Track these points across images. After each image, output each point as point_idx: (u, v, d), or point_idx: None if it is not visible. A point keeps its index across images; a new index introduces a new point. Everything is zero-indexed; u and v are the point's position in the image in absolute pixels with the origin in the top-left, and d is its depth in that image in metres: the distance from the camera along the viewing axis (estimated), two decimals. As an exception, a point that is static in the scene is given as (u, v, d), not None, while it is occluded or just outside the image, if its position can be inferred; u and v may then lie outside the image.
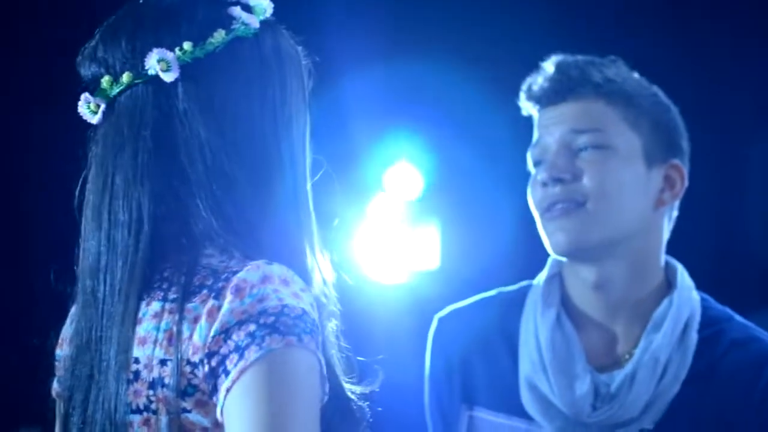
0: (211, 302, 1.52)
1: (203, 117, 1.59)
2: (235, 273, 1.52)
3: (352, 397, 1.61)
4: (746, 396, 2.15)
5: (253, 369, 1.47)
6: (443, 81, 4.17)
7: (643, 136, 2.21)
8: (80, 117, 1.65)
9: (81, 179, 1.64)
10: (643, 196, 2.20)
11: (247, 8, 1.64)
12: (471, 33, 4.18)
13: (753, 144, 4.14)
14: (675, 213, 2.26)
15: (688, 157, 2.26)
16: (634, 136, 2.20)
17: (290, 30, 1.69)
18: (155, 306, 1.55)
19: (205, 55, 1.60)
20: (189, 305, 1.53)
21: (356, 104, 4.15)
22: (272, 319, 1.48)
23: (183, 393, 1.51)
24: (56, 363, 1.70)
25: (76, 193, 1.65)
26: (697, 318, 2.20)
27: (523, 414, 2.20)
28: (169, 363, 1.52)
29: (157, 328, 1.54)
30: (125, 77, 1.60)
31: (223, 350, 1.49)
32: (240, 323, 1.49)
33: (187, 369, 1.51)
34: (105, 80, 1.61)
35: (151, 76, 1.59)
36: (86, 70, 1.64)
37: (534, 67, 2.26)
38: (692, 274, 2.25)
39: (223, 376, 1.48)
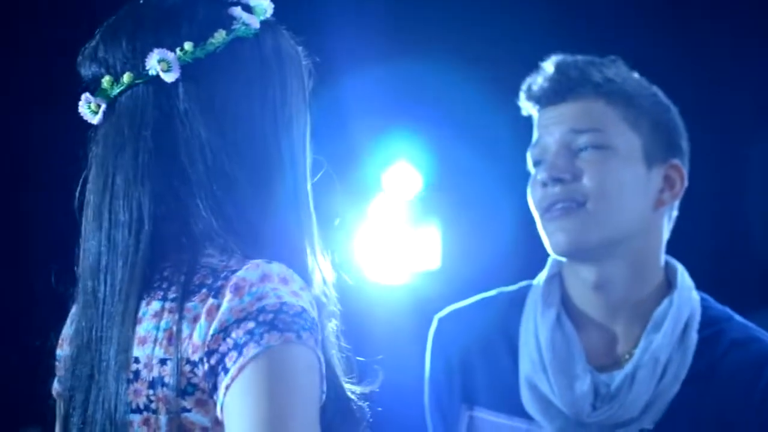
0: (210, 301, 1.52)
1: (204, 117, 1.59)
2: (234, 272, 1.52)
3: (352, 397, 1.61)
4: (746, 396, 2.15)
5: (252, 366, 1.47)
6: (443, 81, 4.17)
7: (642, 136, 2.21)
8: (81, 117, 1.65)
9: (81, 179, 1.64)
10: (642, 196, 2.20)
11: (248, 8, 1.64)
12: (471, 33, 4.18)
13: (753, 144, 4.14)
14: (675, 213, 2.26)
15: (688, 157, 2.27)
16: (634, 136, 2.20)
17: (290, 30, 1.69)
18: (155, 305, 1.55)
19: (205, 55, 1.60)
20: (189, 304, 1.53)
21: (356, 104, 4.15)
22: (271, 316, 1.49)
23: (183, 392, 1.51)
24: (57, 363, 1.70)
25: (77, 193, 1.65)
26: (697, 318, 2.20)
27: (523, 414, 2.20)
28: (169, 362, 1.52)
29: (157, 328, 1.54)
30: (126, 77, 1.61)
31: (222, 348, 1.49)
32: (239, 321, 1.49)
33: (187, 368, 1.51)
34: (105, 80, 1.62)
35: (152, 76, 1.59)
36: (87, 70, 1.64)
37: (534, 67, 2.26)
38: (692, 274, 2.25)
39: (222, 373, 1.49)
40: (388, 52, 4.18)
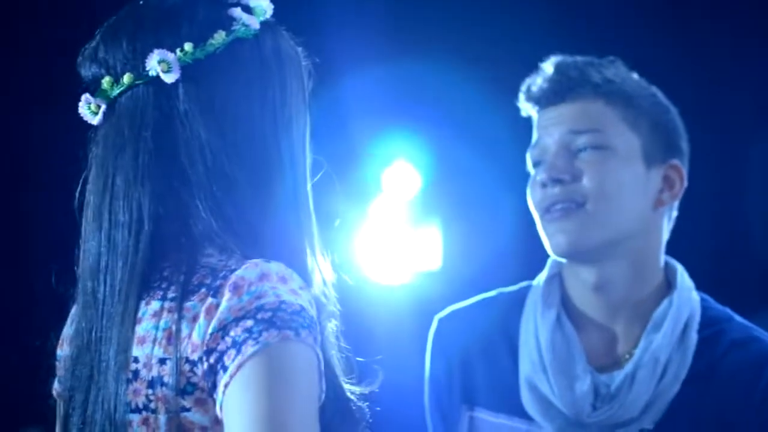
0: (209, 300, 1.52)
1: (204, 118, 1.59)
2: (233, 271, 1.53)
3: (352, 397, 1.61)
4: (746, 396, 2.15)
5: (251, 363, 1.47)
6: (443, 81, 4.17)
7: (642, 137, 2.21)
8: (81, 118, 1.65)
9: (81, 180, 1.65)
10: (642, 197, 2.20)
11: (248, 9, 1.65)
12: (471, 33, 4.18)
13: (753, 144, 4.14)
14: (674, 213, 2.26)
15: (688, 158, 2.27)
16: (634, 136, 2.20)
17: (290, 31, 1.69)
18: (154, 305, 1.55)
19: (205, 56, 1.60)
20: (188, 304, 1.53)
21: (356, 104, 4.15)
22: (269, 314, 1.49)
23: (182, 391, 1.51)
24: (57, 363, 1.70)
25: (77, 193, 1.65)
26: (697, 318, 2.20)
27: (523, 414, 2.20)
28: (168, 362, 1.52)
29: (157, 327, 1.54)
30: (126, 78, 1.61)
31: (221, 347, 1.49)
32: (237, 320, 1.49)
33: (186, 367, 1.51)
34: (106, 81, 1.62)
35: (152, 77, 1.59)
36: (87, 71, 1.65)
37: (534, 67, 2.26)
38: (692, 274, 2.25)
39: (221, 372, 1.49)
40: (388, 52, 4.18)
